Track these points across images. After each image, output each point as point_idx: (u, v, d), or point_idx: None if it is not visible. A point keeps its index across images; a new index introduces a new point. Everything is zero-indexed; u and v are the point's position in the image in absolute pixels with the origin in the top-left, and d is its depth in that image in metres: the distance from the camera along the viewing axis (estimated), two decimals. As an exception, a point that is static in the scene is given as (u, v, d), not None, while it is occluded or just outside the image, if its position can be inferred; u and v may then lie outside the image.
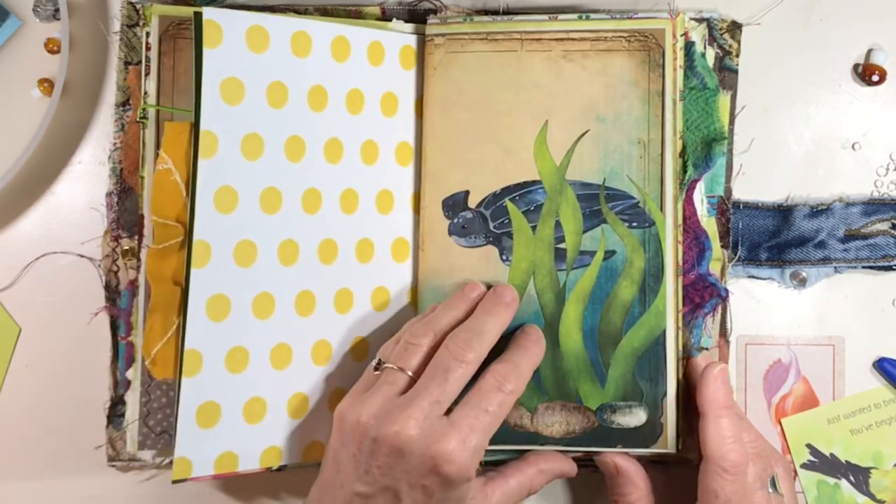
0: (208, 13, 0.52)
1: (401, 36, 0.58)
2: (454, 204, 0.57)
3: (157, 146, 0.56)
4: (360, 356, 0.57)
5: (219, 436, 0.53)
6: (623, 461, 0.55)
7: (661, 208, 0.55)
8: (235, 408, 0.54)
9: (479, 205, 0.57)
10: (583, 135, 0.56)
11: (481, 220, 0.56)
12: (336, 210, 0.56)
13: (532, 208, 0.56)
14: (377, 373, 0.52)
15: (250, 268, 0.54)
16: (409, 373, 0.51)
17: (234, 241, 0.53)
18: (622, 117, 0.56)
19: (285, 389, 0.55)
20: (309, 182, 0.55)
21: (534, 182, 0.56)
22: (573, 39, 0.56)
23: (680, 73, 0.56)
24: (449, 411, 0.50)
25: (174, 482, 0.53)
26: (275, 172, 0.54)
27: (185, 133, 0.54)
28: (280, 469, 0.60)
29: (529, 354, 0.53)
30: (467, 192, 0.57)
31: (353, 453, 0.50)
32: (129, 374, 0.57)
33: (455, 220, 0.57)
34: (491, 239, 0.56)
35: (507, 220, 0.56)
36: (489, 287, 0.55)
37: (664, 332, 0.55)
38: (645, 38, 0.56)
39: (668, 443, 0.55)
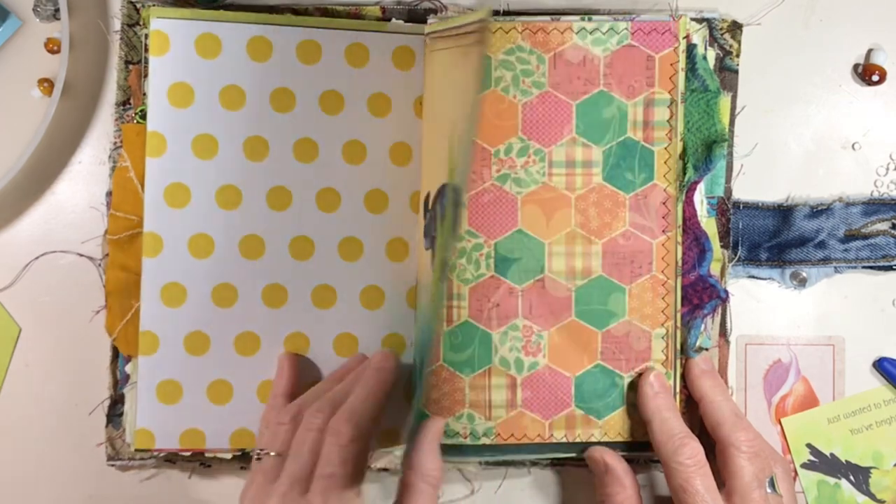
0: (156, 24, 0.56)
1: (393, 37, 0.58)
2: None
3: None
4: (346, 350, 0.58)
5: (183, 412, 0.57)
6: (612, 459, 0.55)
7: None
8: (198, 388, 0.57)
9: None
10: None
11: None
12: (312, 208, 0.57)
13: None
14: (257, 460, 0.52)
15: (207, 259, 0.57)
16: (272, 454, 0.51)
17: (188, 234, 0.57)
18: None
19: (254, 375, 0.58)
20: (275, 180, 0.57)
21: None
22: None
23: (682, 75, 0.56)
24: None
25: (137, 451, 0.57)
26: (232, 170, 0.57)
27: (143, 134, 0.57)
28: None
29: (367, 389, 0.53)
30: None
31: None
32: (129, 368, 0.57)
33: None
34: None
35: None
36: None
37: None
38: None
39: None
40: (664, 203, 0.56)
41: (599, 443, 0.56)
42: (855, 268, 0.59)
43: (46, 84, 0.60)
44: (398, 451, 0.57)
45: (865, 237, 0.59)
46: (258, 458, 0.52)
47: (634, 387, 0.56)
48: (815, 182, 0.60)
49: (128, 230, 0.58)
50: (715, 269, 0.57)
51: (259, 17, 0.57)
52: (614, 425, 0.56)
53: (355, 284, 0.58)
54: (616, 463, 0.55)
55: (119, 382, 0.58)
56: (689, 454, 0.53)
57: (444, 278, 0.53)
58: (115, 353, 0.58)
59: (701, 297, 0.57)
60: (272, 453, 0.51)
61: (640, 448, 0.57)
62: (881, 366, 0.59)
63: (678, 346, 0.56)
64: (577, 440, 0.56)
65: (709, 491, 0.52)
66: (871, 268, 0.59)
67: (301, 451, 0.50)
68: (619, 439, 0.56)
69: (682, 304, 0.57)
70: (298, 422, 0.52)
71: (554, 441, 0.56)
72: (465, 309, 0.56)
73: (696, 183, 0.57)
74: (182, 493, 0.60)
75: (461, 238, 0.56)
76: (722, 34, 0.58)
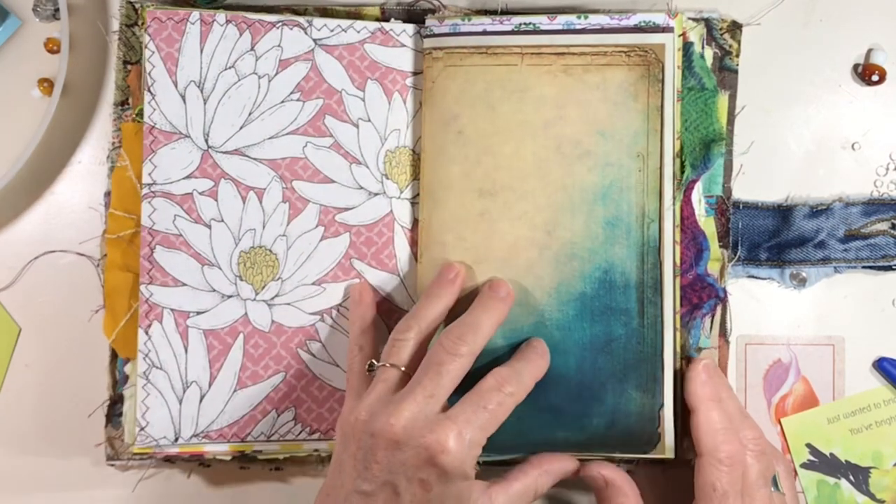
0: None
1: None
2: None
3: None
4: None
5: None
6: (610, 472, 0.55)
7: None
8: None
9: None
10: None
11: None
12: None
13: None
14: (370, 373, 0.53)
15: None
16: (401, 368, 0.52)
17: None
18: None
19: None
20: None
21: None
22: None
23: (679, 73, 0.56)
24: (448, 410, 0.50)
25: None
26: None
27: (141, 133, 0.57)
28: (278, 469, 0.60)
29: (532, 365, 0.53)
30: None
31: (352, 452, 0.50)
32: (128, 368, 0.57)
33: None
34: None
35: None
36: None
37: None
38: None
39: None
40: None
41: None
42: (855, 268, 0.59)
43: (46, 84, 0.60)
44: None
45: (865, 237, 0.59)
46: (370, 371, 0.53)
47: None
48: (814, 182, 0.60)
49: (126, 229, 0.58)
50: (713, 268, 0.57)
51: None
52: None
53: None
54: (615, 475, 0.55)
55: (118, 383, 0.58)
56: (728, 452, 0.52)
57: None
58: (114, 353, 0.58)
59: (700, 296, 0.57)
60: (400, 367, 0.52)
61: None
62: (881, 366, 0.59)
63: (678, 347, 0.56)
64: None
65: (736, 494, 0.52)
66: (870, 268, 0.59)
67: (440, 371, 0.50)
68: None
69: (682, 304, 0.56)
70: (419, 338, 0.53)
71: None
72: None
73: (694, 182, 0.57)
74: (181, 493, 0.60)
75: None
76: (721, 34, 0.58)
